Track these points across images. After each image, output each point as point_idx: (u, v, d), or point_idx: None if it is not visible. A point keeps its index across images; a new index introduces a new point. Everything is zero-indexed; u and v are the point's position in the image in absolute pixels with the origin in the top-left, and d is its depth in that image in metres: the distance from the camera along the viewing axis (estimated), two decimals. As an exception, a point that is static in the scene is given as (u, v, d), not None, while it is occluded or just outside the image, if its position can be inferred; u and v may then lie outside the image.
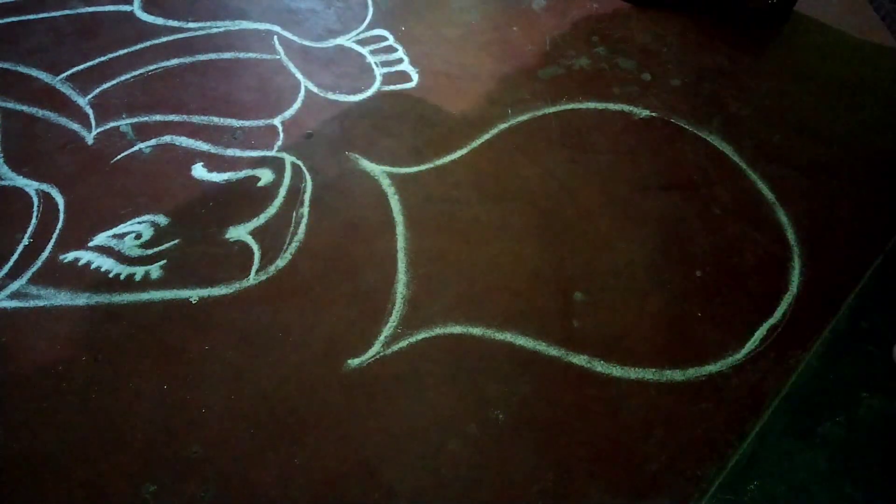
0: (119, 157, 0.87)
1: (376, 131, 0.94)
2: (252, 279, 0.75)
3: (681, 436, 0.66)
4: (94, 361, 0.67)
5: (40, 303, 0.72)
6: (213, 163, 0.87)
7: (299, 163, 0.88)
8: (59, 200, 0.81)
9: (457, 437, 0.64)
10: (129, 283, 0.74)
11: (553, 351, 0.71)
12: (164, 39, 1.04)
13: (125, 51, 1.01)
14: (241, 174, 0.86)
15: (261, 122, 0.93)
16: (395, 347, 0.71)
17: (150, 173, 0.85)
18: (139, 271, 0.75)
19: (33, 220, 0.79)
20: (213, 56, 1.02)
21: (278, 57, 1.04)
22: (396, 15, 1.15)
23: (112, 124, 0.91)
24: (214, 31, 1.07)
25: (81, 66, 0.98)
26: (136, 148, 0.88)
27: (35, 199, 0.81)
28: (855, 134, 0.99)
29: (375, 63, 1.05)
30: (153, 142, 0.89)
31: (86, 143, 0.88)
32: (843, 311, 0.77)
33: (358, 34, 1.10)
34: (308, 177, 0.87)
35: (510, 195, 0.87)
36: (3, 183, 0.82)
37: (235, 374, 0.67)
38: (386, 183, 0.87)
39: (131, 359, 0.68)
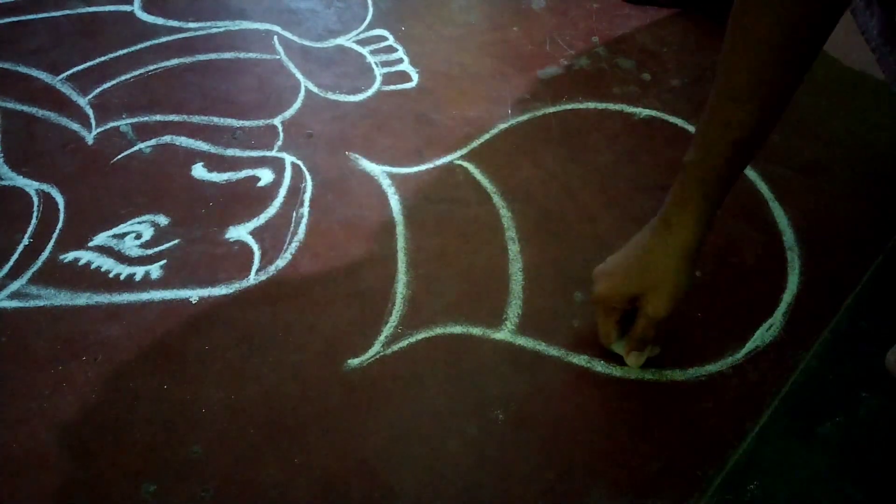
0: (119, 157, 0.87)
1: (376, 131, 0.94)
2: (252, 279, 0.75)
3: (681, 436, 0.66)
4: (94, 361, 0.67)
5: (40, 303, 0.71)
6: (213, 163, 0.87)
7: (299, 163, 0.88)
8: (59, 200, 0.81)
9: (457, 437, 0.64)
10: (129, 283, 0.74)
11: (553, 351, 0.71)
12: (164, 39, 1.03)
13: (125, 51, 1.01)
14: (241, 174, 0.86)
15: (261, 122, 0.93)
16: (395, 347, 0.70)
17: (150, 173, 0.85)
18: (139, 271, 0.75)
19: (33, 220, 0.79)
20: (213, 56, 1.02)
21: (278, 57, 1.04)
22: (396, 15, 1.15)
23: (112, 124, 0.90)
24: (214, 31, 1.07)
25: (81, 66, 0.97)
26: (136, 148, 0.88)
27: (35, 199, 0.81)
28: (855, 134, 0.99)
29: (375, 63, 1.04)
30: (153, 142, 0.89)
31: (86, 143, 0.88)
32: (843, 311, 0.76)
33: (358, 34, 1.10)
34: (308, 177, 0.87)
35: (510, 195, 0.87)
36: (3, 183, 0.82)
37: (235, 374, 0.67)
38: (386, 183, 0.87)
39: (131, 359, 0.68)
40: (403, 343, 0.71)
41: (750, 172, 0.92)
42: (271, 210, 0.82)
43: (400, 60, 1.05)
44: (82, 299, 0.72)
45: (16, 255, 0.75)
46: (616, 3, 1.21)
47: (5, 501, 0.58)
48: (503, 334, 0.72)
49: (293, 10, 1.12)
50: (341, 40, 1.08)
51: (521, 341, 0.72)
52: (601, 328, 0.67)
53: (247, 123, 0.93)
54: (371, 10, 1.15)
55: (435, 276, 0.77)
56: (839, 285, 0.79)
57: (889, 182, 0.93)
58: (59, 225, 0.78)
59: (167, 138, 0.89)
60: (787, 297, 0.78)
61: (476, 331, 0.72)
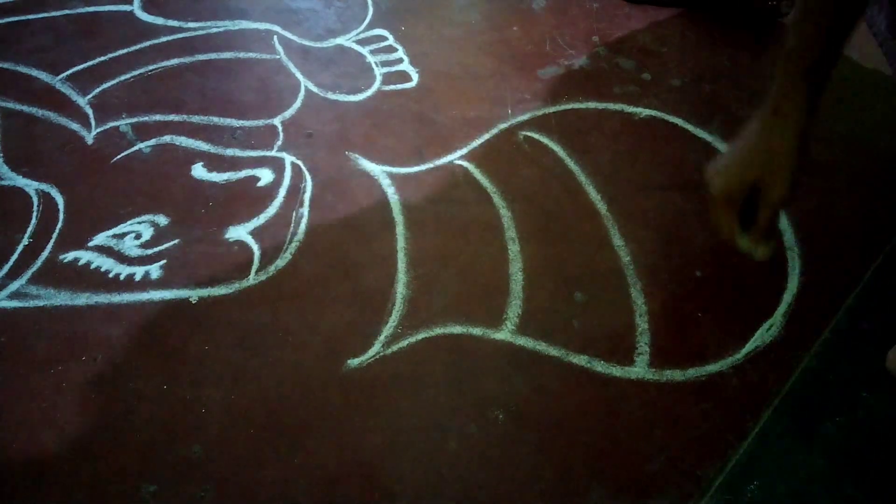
0: (119, 157, 0.87)
1: (376, 131, 0.94)
2: (252, 279, 0.75)
3: (681, 436, 0.66)
4: (94, 361, 0.67)
5: (40, 303, 0.71)
6: (213, 163, 0.87)
7: (299, 163, 0.88)
8: (59, 200, 0.81)
9: (457, 437, 0.64)
10: (129, 283, 0.74)
11: (553, 351, 0.71)
12: (164, 39, 1.03)
13: (125, 51, 1.01)
14: (241, 174, 0.86)
15: (261, 122, 0.93)
16: (395, 347, 0.70)
17: (150, 173, 0.85)
18: (139, 271, 0.75)
19: (33, 220, 0.79)
20: (213, 56, 1.02)
21: (278, 57, 1.04)
22: (396, 15, 1.15)
23: (112, 124, 0.90)
24: (214, 31, 1.07)
25: (81, 66, 0.97)
26: (136, 148, 0.88)
27: (35, 199, 0.81)
28: (855, 134, 0.99)
29: (375, 63, 1.04)
30: (153, 142, 0.89)
31: (86, 143, 0.88)
32: (843, 311, 0.77)
33: (358, 34, 1.10)
34: (308, 177, 0.87)
35: (510, 195, 0.87)
36: (2, 183, 0.82)
37: (235, 374, 0.67)
38: (386, 183, 0.87)
39: (131, 359, 0.68)
40: (403, 343, 0.71)
41: (750, 172, 0.92)
42: (271, 210, 0.82)
43: (400, 60, 1.05)
44: (82, 299, 0.72)
45: (16, 255, 0.75)
46: (616, 3, 1.21)
47: (6, 501, 0.58)
48: (503, 334, 0.72)
49: (293, 10, 1.12)
50: (341, 40, 1.08)
51: (521, 341, 0.72)
52: (724, 225, 0.64)
53: (247, 123, 0.93)
54: (371, 10, 1.15)
55: (435, 276, 0.77)
56: (839, 285, 0.79)
57: (889, 182, 0.93)
58: (59, 225, 0.78)
59: (167, 138, 0.89)
60: (787, 297, 0.78)
61: (476, 331, 0.72)
